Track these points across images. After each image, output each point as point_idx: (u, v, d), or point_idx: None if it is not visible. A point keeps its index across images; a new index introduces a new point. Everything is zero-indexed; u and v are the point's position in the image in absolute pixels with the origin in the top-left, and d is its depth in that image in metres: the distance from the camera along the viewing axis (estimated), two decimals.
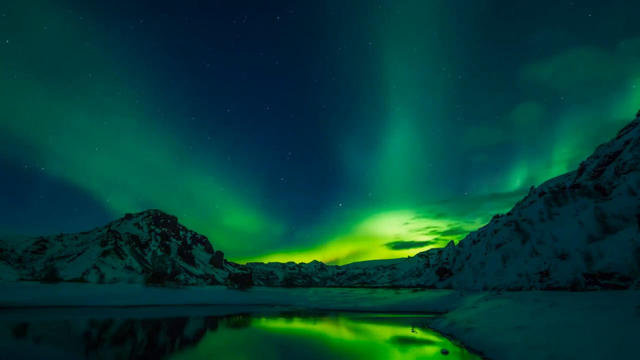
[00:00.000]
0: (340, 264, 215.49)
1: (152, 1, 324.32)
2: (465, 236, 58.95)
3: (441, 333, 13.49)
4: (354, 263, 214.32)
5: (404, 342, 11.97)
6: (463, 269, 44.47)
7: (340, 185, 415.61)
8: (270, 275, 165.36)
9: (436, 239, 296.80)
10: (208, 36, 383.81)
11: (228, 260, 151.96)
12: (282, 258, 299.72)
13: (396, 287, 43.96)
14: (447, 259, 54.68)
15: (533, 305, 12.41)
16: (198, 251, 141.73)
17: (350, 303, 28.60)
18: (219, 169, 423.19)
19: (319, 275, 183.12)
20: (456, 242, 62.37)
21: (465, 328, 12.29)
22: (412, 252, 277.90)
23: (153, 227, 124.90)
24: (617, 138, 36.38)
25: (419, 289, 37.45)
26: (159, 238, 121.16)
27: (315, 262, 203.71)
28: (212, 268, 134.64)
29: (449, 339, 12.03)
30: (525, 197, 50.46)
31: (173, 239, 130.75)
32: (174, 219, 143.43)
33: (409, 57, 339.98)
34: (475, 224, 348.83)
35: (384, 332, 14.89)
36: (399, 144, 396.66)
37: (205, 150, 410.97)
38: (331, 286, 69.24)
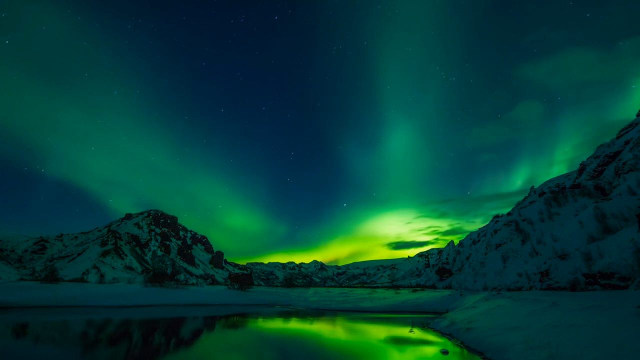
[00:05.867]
0: (340, 264, 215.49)
1: (150, 1, 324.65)
2: (465, 236, 58.97)
3: (441, 333, 13.48)
4: (354, 263, 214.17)
5: (403, 342, 11.95)
6: (463, 269, 44.43)
7: (341, 185, 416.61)
8: (270, 275, 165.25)
9: (436, 239, 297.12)
10: (207, 36, 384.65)
11: (228, 260, 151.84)
12: (282, 258, 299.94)
13: (396, 287, 43.94)
14: (447, 259, 54.62)
15: (533, 305, 12.41)
16: (198, 251, 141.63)
17: (350, 303, 28.57)
18: (220, 169, 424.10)
19: (319, 275, 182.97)
20: (456, 242, 62.37)
21: (465, 328, 12.28)
22: (412, 252, 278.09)
23: (153, 227, 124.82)
24: (617, 138, 36.33)
25: (419, 289, 37.44)
26: (159, 238, 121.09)
27: (315, 262, 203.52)
28: (212, 268, 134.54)
29: (449, 339, 12.02)
30: (525, 197, 50.45)
31: (173, 239, 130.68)
32: (174, 219, 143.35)
33: (408, 57, 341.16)
34: (476, 224, 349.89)
35: (384, 332, 14.87)
36: (401, 144, 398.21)
37: (205, 150, 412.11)
38: (331, 286, 69.20)
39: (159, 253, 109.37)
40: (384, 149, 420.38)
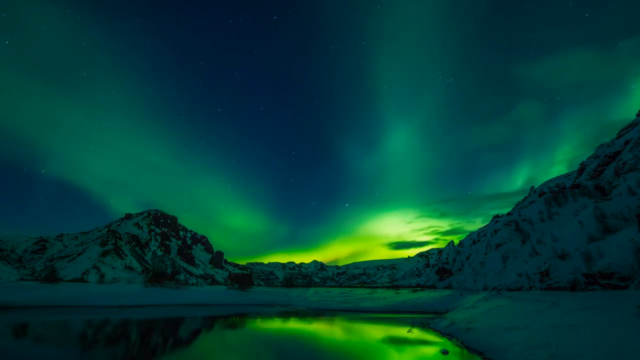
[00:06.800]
0: (340, 264, 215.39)
1: (150, 1, 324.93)
2: (465, 236, 58.97)
3: (441, 333, 13.48)
4: (354, 263, 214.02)
5: (403, 342, 11.96)
6: (463, 269, 44.43)
7: (341, 185, 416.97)
8: (270, 275, 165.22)
9: (436, 239, 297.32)
10: (207, 36, 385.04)
11: (228, 260, 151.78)
12: (282, 258, 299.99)
13: (396, 287, 43.94)
14: (447, 259, 54.62)
15: (533, 305, 12.42)
16: (198, 251, 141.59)
17: (350, 303, 28.58)
18: (220, 168, 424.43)
19: (319, 275, 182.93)
20: (456, 242, 62.35)
21: (465, 328, 12.29)
22: (412, 252, 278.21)
23: (153, 227, 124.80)
24: (617, 138, 36.32)
25: (419, 289, 37.44)
26: (159, 238, 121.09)
27: (315, 262, 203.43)
28: (212, 268, 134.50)
29: (449, 339, 12.03)
30: (525, 197, 50.44)
31: (173, 239, 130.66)
32: (174, 219, 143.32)
33: (407, 57, 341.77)
34: (476, 224, 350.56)
35: (384, 332, 14.88)
36: (401, 144, 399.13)
37: (205, 150, 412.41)
38: (331, 286, 69.20)
39: (159, 253, 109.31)
40: (384, 149, 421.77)
